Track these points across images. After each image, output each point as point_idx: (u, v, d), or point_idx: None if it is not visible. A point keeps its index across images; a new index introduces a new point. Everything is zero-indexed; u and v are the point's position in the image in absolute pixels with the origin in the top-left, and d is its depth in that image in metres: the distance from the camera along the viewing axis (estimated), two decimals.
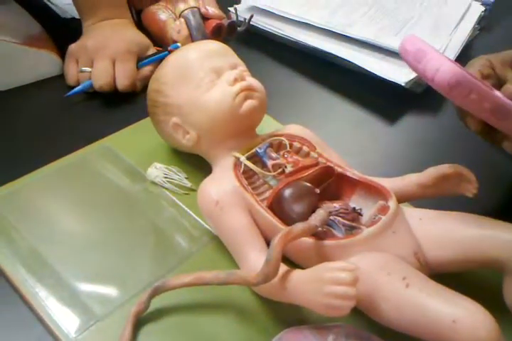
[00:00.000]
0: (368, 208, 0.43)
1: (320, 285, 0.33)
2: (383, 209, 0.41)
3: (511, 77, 0.46)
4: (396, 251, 0.38)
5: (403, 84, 0.61)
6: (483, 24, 0.77)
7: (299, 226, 0.37)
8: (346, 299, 0.33)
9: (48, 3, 0.75)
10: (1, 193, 0.48)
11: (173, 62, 0.49)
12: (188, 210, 0.48)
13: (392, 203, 0.40)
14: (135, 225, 0.46)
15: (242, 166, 0.44)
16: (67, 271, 0.42)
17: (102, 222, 0.46)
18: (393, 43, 0.66)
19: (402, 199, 0.43)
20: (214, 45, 0.49)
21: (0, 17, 0.63)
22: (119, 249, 0.44)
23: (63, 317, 0.39)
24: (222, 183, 0.43)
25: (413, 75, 0.62)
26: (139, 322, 0.39)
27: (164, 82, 0.48)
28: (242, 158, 0.44)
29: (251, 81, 0.47)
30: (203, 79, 0.46)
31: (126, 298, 0.40)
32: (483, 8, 0.76)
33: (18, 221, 0.46)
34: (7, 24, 0.63)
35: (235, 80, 0.46)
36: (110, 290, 0.41)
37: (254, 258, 0.39)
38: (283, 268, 0.36)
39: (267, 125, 0.51)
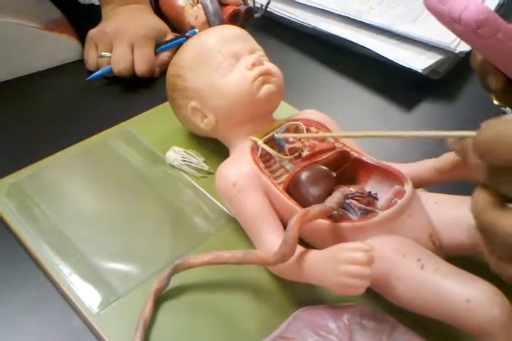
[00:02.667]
0: (383, 193, 0.43)
1: (336, 264, 0.34)
2: (399, 194, 0.41)
3: None
4: (411, 234, 0.39)
5: (420, 71, 0.61)
6: (501, 12, 0.76)
7: (315, 208, 0.37)
8: (361, 278, 0.33)
9: None
10: (26, 174, 0.49)
11: (192, 46, 0.49)
12: (206, 193, 0.49)
13: (408, 187, 0.41)
14: (154, 206, 0.47)
15: (260, 150, 0.45)
16: (90, 249, 0.43)
17: (122, 203, 0.48)
18: (410, 30, 0.66)
19: (418, 184, 0.43)
20: (233, 30, 0.50)
21: (21, 2, 0.64)
22: (139, 229, 0.45)
23: (86, 293, 0.40)
24: (240, 166, 0.44)
25: (430, 62, 0.62)
26: (159, 298, 0.40)
27: (183, 66, 0.49)
28: (260, 142, 0.45)
29: (269, 66, 0.47)
30: (222, 63, 0.47)
31: (147, 275, 0.42)
32: None
33: (42, 200, 0.47)
34: (28, 9, 0.64)
35: (253, 65, 0.46)
36: (131, 268, 0.42)
37: (271, 240, 0.40)
38: (299, 248, 0.37)
39: (284, 111, 0.52)
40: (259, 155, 0.45)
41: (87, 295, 0.40)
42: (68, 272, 0.42)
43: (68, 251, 0.43)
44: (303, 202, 0.41)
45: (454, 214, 0.40)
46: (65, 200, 0.48)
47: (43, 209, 0.46)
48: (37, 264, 0.43)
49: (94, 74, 0.62)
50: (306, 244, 0.42)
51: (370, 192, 0.42)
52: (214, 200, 0.48)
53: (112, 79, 0.63)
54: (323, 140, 0.47)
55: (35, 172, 0.49)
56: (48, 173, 0.50)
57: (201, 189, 0.49)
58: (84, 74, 0.62)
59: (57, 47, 0.64)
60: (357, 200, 0.41)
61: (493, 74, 0.44)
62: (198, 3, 0.69)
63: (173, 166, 0.51)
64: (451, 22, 0.37)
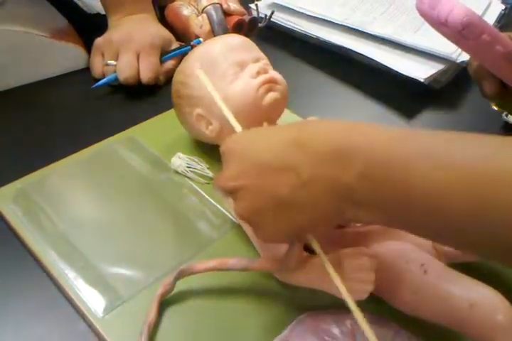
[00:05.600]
0: None
1: (340, 270, 0.34)
2: None
3: None
4: (414, 240, 0.39)
5: (422, 80, 0.62)
6: (503, 22, 0.77)
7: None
8: (365, 283, 0.34)
9: None
10: (32, 180, 0.50)
11: (198, 54, 0.50)
12: (210, 199, 0.49)
13: None
14: (159, 212, 0.48)
15: None
16: (95, 255, 0.44)
17: (127, 209, 0.48)
18: (412, 40, 0.67)
19: None
20: (238, 39, 0.51)
21: (28, 11, 0.65)
22: (143, 234, 0.46)
23: (91, 298, 0.41)
24: None
25: (432, 71, 0.63)
26: (163, 303, 0.40)
27: (189, 75, 0.50)
28: None
29: (273, 74, 0.48)
30: (227, 71, 0.47)
31: (151, 280, 0.42)
32: (503, 7, 0.77)
33: (48, 206, 0.47)
34: (35, 18, 0.65)
35: (258, 73, 0.47)
36: (135, 273, 0.43)
37: (273, 246, 0.40)
38: (303, 254, 0.38)
39: (287, 118, 0.53)
40: None
41: (93, 300, 0.40)
42: (74, 277, 0.42)
43: (74, 256, 0.43)
44: None
45: None
46: (71, 206, 0.48)
47: (49, 215, 0.47)
48: (43, 269, 0.43)
49: (100, 82, 0.63)
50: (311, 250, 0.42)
51: None
52: (218, 206, 0.48)
53: (118, 87, 0.63)
54: None
55: (42, 178, 0.50)
56: (54, 179, 0.50)
57: (205, 195, 0.49)
58: (90, 82, 0.63)
59: (64, 56, 0.65)
60: None
61: (488, 79, 0.45)
62: (202, 12, 0.71)
63: (177, 172, 0.51)
64: (440, 25, 0.39)
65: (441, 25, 0.40)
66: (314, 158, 0.29)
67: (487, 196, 0.24)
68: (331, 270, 0.34)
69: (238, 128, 0.40)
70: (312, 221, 0.31)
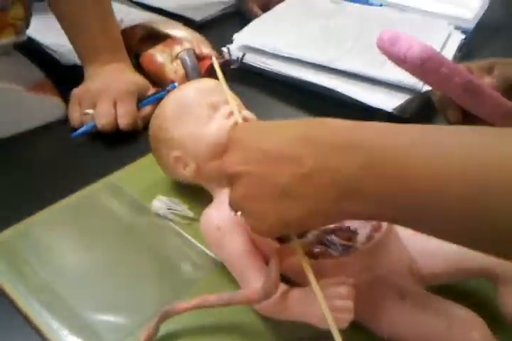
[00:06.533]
0: (363, 227, 0.44)
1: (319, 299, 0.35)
2: (377, 228, 0.43)
3: (486, 80, 0.50)
4: (391, 266, 0.40)
5: (390, 110, 0.65)
6: (464, 51, 0.81)
7: (295, 242, 0.39)
8: (345, 312, 0.34)
9: (49, 51, 0.79)
10: (15, 230, 0.50)
11: (172, 99, 0.52)
12: (192, 239, 0.50)
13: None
14: (142, 256, 0.48)
15: None
16: (79, 303, 0.44)
17: (110, 254, 0.48)
18: (380, 73, 0.69)
19: None
20: (209, 83, 0.53)
21: (5, 67, 0.67)
22: (126, 280, 0.46)
23: None
24: (223, 210, 0.45)
25: (400, 101, 0.65)
26: None
27: (165, 119, 0.51)
28: None
29: (245, 113, 0.50)
30: (201, 114, 0.49)
31: (136, 325, 0.42)
32: (463, 36, 0.80)
33: (31, 256, 0.48)
34: (13, 73, 0.67)
35: (230, 114, 0.48)
36: (120, 319, 0.43)
37: (257, 281, 0.41)
38: (283, 287, 0.38)
39: None
40: None
41: None
42: (58, 327, 0.42)
43: (57, 306, 0.43)
44: (284, 237, 0.42)
45: (431, 244, 0.41)
46: (54, 255, 0.48)
47: (31, 265, 0.47)
48: (27, 321, 0.43)
49: (78, 131, 0.64)
50: (291, 282, 0.42)
51: (349, 227, 0.44)
52: (200, 246, 0.49)
53: (96, 135, 0.64)
54: None
55: (24, 230, 0.50)
56: (37, 230, 0.51)
57: (187, 235, 0.50)
58: (69, 132, 0.64)
59: (42, 108, 0.66)
60: (337, 236, 0.42)
61: (451, 107, 0.47)
62: (176, 58, 0.73)
63: (158, 215, 0.52)
64: (400, 61, 0.41)
65: (401, 61, 0.42)
66: (319, 150, 0.31)
67: (487, 181, 0.25)
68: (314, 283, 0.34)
69: (240, 120, 0.44)
70: (310, 214, 0.32)
